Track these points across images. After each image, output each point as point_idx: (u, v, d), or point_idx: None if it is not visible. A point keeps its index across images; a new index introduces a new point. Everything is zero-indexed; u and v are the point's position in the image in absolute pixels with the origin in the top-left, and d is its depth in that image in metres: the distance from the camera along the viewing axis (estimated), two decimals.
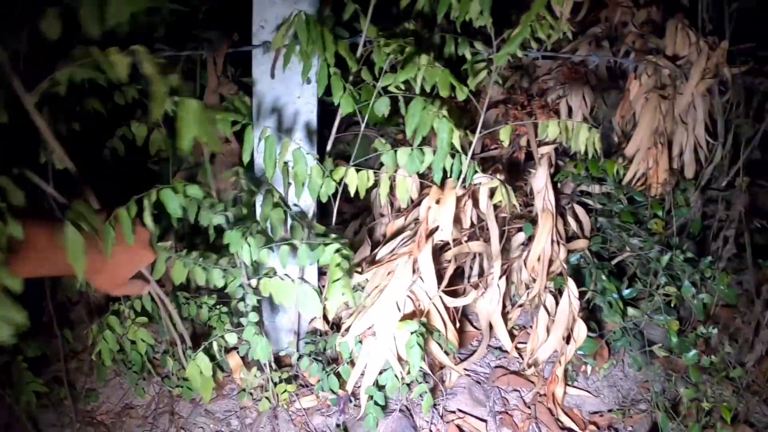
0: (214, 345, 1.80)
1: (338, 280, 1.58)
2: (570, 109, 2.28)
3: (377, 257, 1.97)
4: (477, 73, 1.94)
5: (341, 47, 1.77)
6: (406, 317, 1.82)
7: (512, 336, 2.16)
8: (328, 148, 1.88)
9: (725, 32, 2.20)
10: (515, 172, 2.25)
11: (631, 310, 2.07)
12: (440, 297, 1.88)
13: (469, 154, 1.80)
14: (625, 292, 2.14)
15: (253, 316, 1.72)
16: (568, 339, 2.04)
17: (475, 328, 2.23)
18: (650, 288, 2.11)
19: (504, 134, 1.77)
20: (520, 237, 2.16)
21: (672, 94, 2.18)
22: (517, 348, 2.16)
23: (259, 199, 1.91)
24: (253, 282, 1.71)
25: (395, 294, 1.82)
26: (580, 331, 2.01)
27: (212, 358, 1.89)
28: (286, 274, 1.77)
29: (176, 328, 1.81)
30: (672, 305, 2.07)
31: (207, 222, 1.56)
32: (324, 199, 1.83)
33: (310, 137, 1.93)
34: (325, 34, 1.71)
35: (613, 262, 2.23)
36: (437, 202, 1.83)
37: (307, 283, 1.71)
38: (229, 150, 2.05)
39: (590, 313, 2.20)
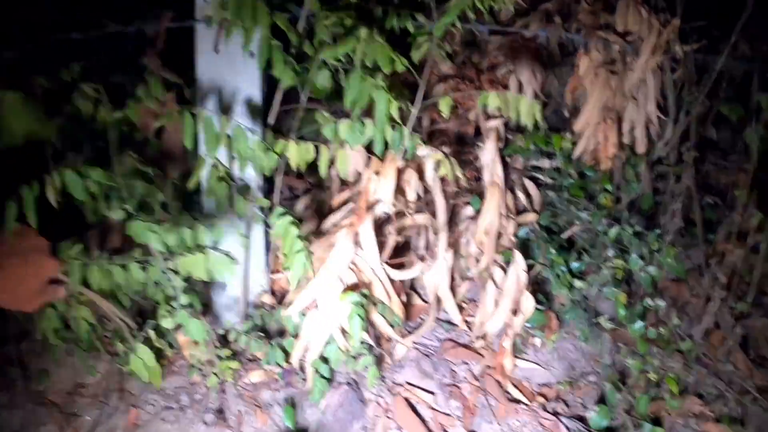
0: (152, 333, 1.74)
1: (299, 251, 1.55)
2: (520, 84, 2.23)
3: (322, 230, 1.92)
4: (420, 45, 1.89)
5: (279, 20, 1.72)
6: (348, 289, 1.77)
7: (461, 309, 2.11)
8: (270, 122, 1.83)
9: (677, 10, 2.15)
10: (463, 145, 2.20)
11: (578, 282, 2.03)
12: (384, 269, 1.84)
13: (409, 125, 1.75)
14: (574, 265, 2.10)
15: (184, 299, 1.67)
16: (516, 312, 2.00)
17: (424, 301, 2.18)
18: (598, 261, 2.07)
19: (444, 105, 1.72)
20: (469, 211, 2.12)
21: (622, 69, 2.14)
22: (465, 321, 2.11)
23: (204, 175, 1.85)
24: (171, 264, 1.65)
25: (337, 266, 1.77)
26: (528, 303, 1.97)
27: (161, 335, 1.84)
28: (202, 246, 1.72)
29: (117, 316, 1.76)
30: (620, 278, 2.03)
31: (118, 216, 1.51)
32: (267, 173, 1.79)
33: (252, 112, 1.88)
34: (258, 7, 1.66)
35: (563, 236, 2.19)
36: (377, 173, 1.79)
37: (219, 251, 1.65)
38: (174, 127, 2.00)
39: (539, 286, 2.16)
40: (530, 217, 2.14)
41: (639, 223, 2.12)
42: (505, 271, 2.02)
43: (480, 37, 2.30)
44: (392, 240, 1.82)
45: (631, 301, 2.07)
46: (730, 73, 2.26)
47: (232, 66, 1.85)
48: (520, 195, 2.18)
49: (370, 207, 1.79)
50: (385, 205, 1.77)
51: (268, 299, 1.99)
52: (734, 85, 2.29)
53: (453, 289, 2.08)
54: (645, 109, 2.23)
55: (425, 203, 2.00)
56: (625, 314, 1.99)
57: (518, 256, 1.98)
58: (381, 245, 1.83)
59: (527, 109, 1.71)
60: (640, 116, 2.22)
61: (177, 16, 1.91)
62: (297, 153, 1.74)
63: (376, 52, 1.58)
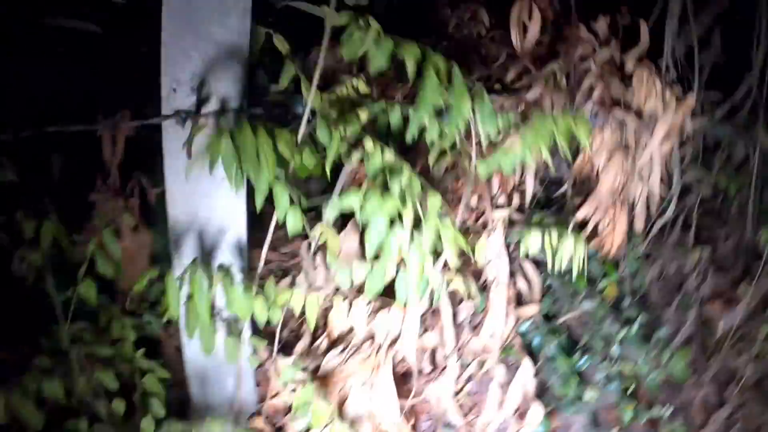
0: None
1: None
2: None
3: (324, 362, 1.60)
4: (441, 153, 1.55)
5: (282, 142, 1.31)
6: None
7: (461, 407, 1.89)
8: (260, 266, 1.41)
9: (692, 84, 1.89)
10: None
11: (588, 394, 1.84)
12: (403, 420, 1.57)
13: (438, 266, 1.44)
14: (579, 363, 1.91)
15: None
16: (522, 416, 1.81)
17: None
18: (603, 361, 1.89)
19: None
20: (470, 306, 1.85)
21: (634, 151, 1.88)
22: (468, 424, 1.90)
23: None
24: None
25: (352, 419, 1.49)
26: (536, 414, 1.78)
27: None
28: None
29: None
30: (627, 388, 1.86)
31: None
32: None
33: (240, 251, 1.47)
34: (261, 139, 1.24)
35: (560, 321, 1.99)
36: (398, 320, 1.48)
37: None
38: (137, 240, 1.57)
39: (542, 386, 1.96)
40: (532, 310, 1.91)
41: (644, 311, 1.95)
42: (508, 368, 1.82)
43: None
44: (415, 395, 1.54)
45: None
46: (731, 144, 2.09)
47: (215, 186, 1.41)
48: (521, 282, 1.94)
49: (387, 354, 1.49)
50: (408, 356, 1.47)
51: (260, 424, 1.68)
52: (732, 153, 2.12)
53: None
54: (648, 184, 2.00)
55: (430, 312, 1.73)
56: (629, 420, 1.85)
57: (526, 362, 1.77)
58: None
59: (571, 253, 1.44)
60: (643, 193, 2.00)
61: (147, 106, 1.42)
62: (303, 304, 1.39)
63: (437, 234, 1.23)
